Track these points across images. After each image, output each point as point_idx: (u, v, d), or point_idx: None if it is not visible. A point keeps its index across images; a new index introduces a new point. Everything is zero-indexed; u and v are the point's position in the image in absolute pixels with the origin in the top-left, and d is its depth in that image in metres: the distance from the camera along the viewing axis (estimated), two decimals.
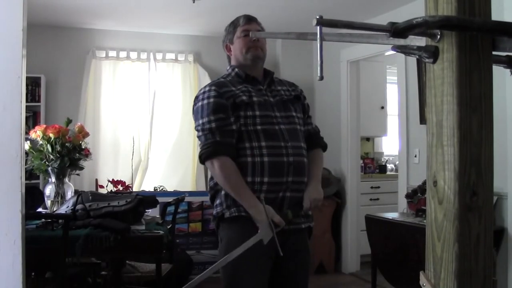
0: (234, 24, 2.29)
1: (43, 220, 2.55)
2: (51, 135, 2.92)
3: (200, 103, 2.14)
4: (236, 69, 2.25)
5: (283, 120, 2.15)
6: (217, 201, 2.15)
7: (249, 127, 2.09)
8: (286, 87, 2.30)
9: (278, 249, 1.92)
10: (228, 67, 2.31)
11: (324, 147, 2.34)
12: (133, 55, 5.11)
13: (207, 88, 2.17)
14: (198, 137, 2.16)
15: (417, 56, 0.98)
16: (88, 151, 3.16)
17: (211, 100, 2.10)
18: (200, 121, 2.12)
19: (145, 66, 5.15)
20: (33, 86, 4.69)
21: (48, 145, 2.92)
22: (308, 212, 2.19)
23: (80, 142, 3.06)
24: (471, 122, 0.91)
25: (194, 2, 3.71)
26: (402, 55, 2.51)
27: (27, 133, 2.62)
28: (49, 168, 2.95)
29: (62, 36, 4.94)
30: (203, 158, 2.09)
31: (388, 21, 0.92)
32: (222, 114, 2.08)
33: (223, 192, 2.11)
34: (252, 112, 2.11)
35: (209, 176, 2.24)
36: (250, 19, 2.28)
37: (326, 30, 0.93)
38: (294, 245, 2.12)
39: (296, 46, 5.48)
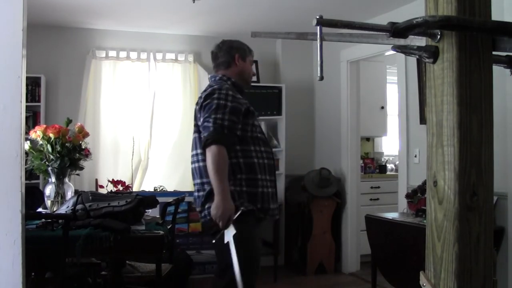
0: (248, 49, 2.75)
1: (43, 220, 2.55)
2: (51, 135, 2.92)
3: (216, 101, 2.48)
4: (233, 80, 2.66)
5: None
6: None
7: (254, 133, 2.55)
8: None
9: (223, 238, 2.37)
10: (223, 75, 2.68)
11: None
12: (133, 55, 5.10)
13: (224, 91, 2.52)
14: (206, 126, 2.46)
15: (417, 56, 0.98)
16: (88, 151, 3.15)
17: (229, 103, 2.48)
18: (213, 116, 2.45)
19: (145, 66, 5.14)
20: (33, 86, 4.69)
21: (48, 145, 2.92)
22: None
23: (80, 142, 3.06)
24: (471, 122, 0.91)
25: (194, 2, 3.71)
26: (402, 55, 2.51)
27: (27, 133, 2.62)
28: (49, 168, 2.94)
29: (62, 36, 4.94)
30: (209, 142, 2.42)
31: (388, 21, 0.92)
32: (235, 117, 2.49)
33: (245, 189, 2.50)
34: (256, 122, 2.60)
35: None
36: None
37: (326, 30, 0.93)
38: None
39: (296, 46, 5.47)
